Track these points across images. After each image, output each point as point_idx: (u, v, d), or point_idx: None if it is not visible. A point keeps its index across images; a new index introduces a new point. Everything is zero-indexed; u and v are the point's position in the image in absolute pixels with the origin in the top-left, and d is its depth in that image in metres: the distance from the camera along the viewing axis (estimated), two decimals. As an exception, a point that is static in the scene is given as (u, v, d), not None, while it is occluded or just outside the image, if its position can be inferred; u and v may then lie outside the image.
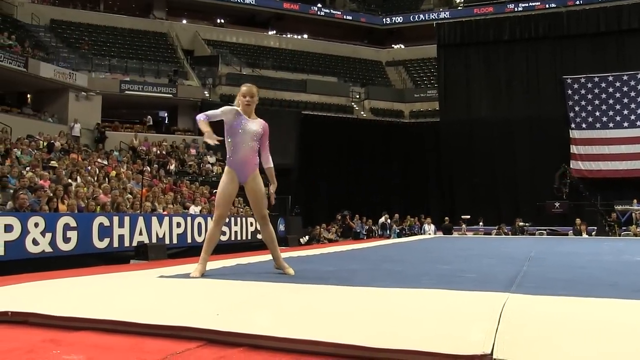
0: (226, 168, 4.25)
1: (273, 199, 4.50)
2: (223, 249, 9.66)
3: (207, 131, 4.07)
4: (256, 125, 4.25)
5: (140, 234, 9.49)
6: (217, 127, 4.20)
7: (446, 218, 19.16)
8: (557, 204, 19.32)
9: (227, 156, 4.23)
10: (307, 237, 16.37)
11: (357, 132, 25.04)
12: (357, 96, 28.68)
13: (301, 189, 22.48)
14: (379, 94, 28.83)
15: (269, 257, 5.87)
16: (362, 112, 27.68)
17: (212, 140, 4.03)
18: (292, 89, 27.14)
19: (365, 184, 24.60)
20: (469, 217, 19.44)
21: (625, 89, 20.85)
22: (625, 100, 20.79)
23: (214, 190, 15.67)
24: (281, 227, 14.71)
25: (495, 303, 2.76)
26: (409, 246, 9.97)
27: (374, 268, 5.17)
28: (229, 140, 4.19)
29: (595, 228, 16.60)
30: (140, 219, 9.64)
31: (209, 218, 11.23)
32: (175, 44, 27.68)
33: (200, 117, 4.14)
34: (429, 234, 17.72)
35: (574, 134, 21.16)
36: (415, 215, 19.93)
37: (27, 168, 11.70)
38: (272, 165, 4.40)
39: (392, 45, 35.10)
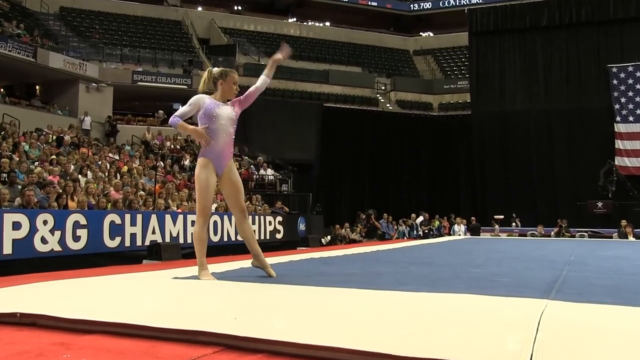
0: (201, 159, 4.16)
1: (282, 55, 4.37)
2: (218, 250, 9.69)
3: (193, 130, 4.12)
4: (230, 109, 4.24)
5: (153, 232, 9.58)
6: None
7: (473, 218, 18.99)
8: (600, 204, 18.98)
9: (202, 147, 4.19)
10: (329, 237, 16.37)
11: (382, 126, 24.94)
12: (383, 87, 28.58)
13: (323, 186, 22.48)
14: (406, 85, 28.68)
15: (276, 259, 5.92)
16: (388, 105, 27.56)
17: (205, 138, 4.07)
18: (313, 79, 27.15)
19: (390, 181, 24.49)
20: (502, 217, 19.23)
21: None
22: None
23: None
24: (302, 227, 14.73)
25: (533, 310, 2.72)
26: (438, 248, 9.90)
27: (401, 270, 5.14)
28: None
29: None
30: (153, 217, 9.72)
31: (225, 216, 11.30)
32: (190, 32, 27.88)
33: (175, 121, 4.15)
34: (459, 234, 17.58)
35: (620, 127, 20.74)
36: (444, 215, 19.79)
37: (36, 163, 11.90)
38: (263, 74, 4.32)
39: (420, 33, 34.89)
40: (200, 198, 4.15)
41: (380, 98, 27.82)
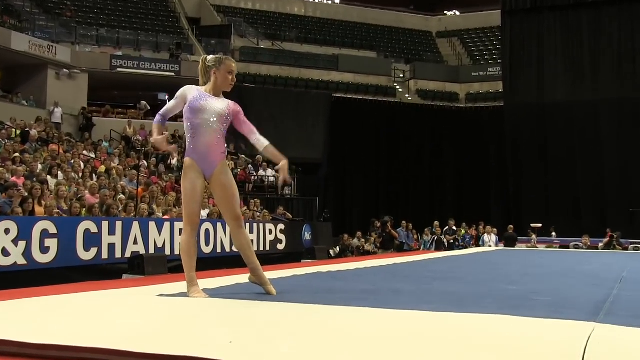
0: (187, 160, 4.18)
1: (287, 177, 4.45)
2: (210, 263, 9.66)
3: (154, 139, 4.21)
4: (222, 103, 4.25)
5: (135, 242, 9.58)
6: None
7: (510, 226, 18.89)
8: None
9: (187, 146, 4.21)
10: (338, 248, 16.36)
11: (400, 120, 24.92)
12: (401, 75, 28.56)
13: (331, 190, 22.51)
14: (428, 72, 28.65)
15: (277, 273, 5.92)
16: (407, 95, 27.55)
17: (165, 149, 4.16)
18: (321, 66, 27.15)
19: (409, 184, 24.46)
20: (539, 225, 19.16)
21: None
22: None
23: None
24: (307, 236, 14.72)
25: (578, 335, 2.72)
26: (466, 260, 9.88)
27: (423, 287, 5.15)
28: (188, 124, 4.16)
29: None
30: (135, 225, 9.72)
31: (218, 224, 11.30)
32: (178, 10, 27.98)
33: (156, 120, 4.28)
34: (489, 245, 17.52)
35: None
36: (472, 222, 19.74)
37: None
38: (267, 142, 4.38)
39: (445, 12, 34.84)
40: (185, 203, 4.18)
41: (398, 87, 27.80)
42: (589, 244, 17.21)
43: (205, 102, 4.16)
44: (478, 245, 17.68)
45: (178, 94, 4.24)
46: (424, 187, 24.58)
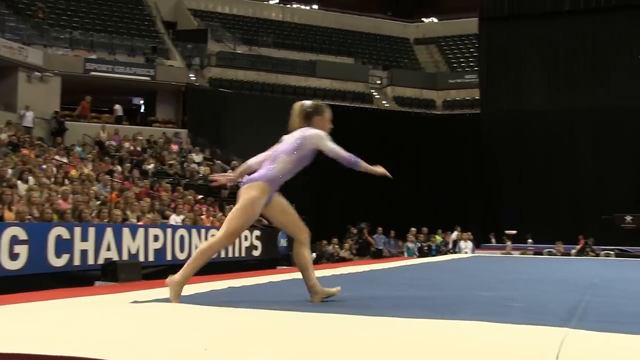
0: (265, 186, 4.34)
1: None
2: (210, 268, 9.64)
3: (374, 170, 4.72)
4: None
5: (108, 249, 9.50)
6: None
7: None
8: (628, 218, 19.16)
9: (275, 175, 4.38)
10: (314, 254, 16.35)
11: (377, 126, 24.99)
12: (378, 82, 28.65)
13: (307, 196, 22.47)
14: (405, 79, 28.77)
15: (252, 280, 5.93)
16: (384, 102, 27.65)
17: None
18: (298, 72, 27.15)
19: (386, 190, 24.54)
20: (515, 232, 19.34)
21: None
22: None
23: (200, 197, 15.73)
24: (282, 243, 14.70)
25: (551, 340, 2.76)
26: (442, 267, 9.94)
27: (398, 294, 5.19)
28: (299, 163, 4.54)
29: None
30: (109, 231, 9.64)
31: (193, 230, 11.26)
32: (154, 14, 27.81)
33: (357, 160, 4.75)
34: (465, 252, 17.65)
35: (654, 129, 20.97)
36: (449, 229, 19.86)
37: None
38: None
39: (423, 19, 35.08)
40: (243, 220, 4.34)
41: (375, 94, 27.90)
42: (562, 250, 17.44)
43: None
44: (454, 252, 17.81)
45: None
46: (401, 193, 24.64)
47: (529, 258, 15.85)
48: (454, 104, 27.29)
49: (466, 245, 18.30)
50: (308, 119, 4.54)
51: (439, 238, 19.41)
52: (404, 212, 24.14)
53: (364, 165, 4.66)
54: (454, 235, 19.07)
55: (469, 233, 18.80)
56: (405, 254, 17.47)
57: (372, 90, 28.01)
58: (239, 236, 4.41)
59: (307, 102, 4.64)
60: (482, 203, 22.82)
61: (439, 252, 18.05)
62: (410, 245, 18.04)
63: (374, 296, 4.87)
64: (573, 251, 17.38)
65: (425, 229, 19.53)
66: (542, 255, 17.26)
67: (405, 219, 21.87)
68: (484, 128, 23.17)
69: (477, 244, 18.95)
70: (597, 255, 17.05)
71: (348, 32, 32.10)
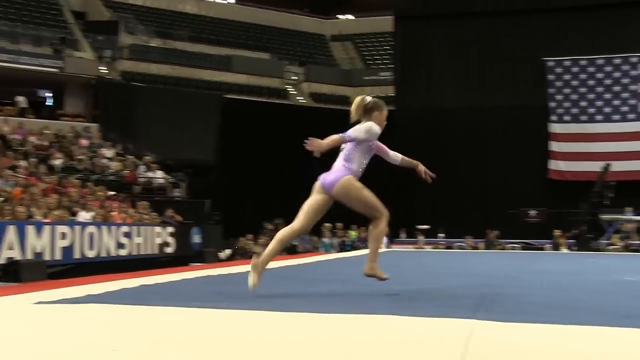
0: (353, 179, 4.88)
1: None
2: (121, 266, 9.45)
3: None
4: None
5: (11, 248, 9.15)
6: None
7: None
8: (533, 212, 19.99)
9: (353, 167, 4.91)
10: (228, 251, 16.23)
11: (293, 122, 24.96)
12: (294, 77, 28.71)
13: (222, 192, 22.28)
14: (322, 75, 28.97)
15: (165, 277, 5.82)
16: (300, 98, 27.74)
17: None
18: (213, 66, 26.85)
19: (303, 186, 24.61)
20: (428, 227, 19.80)
21: (617, 74, 21.61)
22: (617, 89, 21.59)
23: (111, 193, 15.31)
24: (196, 239, 14.55)
25: (460, 331, 2.85)
26: (355, 262, 10.05)
27: (311, 289, 5.23)
28: (367, 153, 5.02)
29: (576, 241, 17.22)
30: (11, 229, 9.29)
31: (103, 227, 10.98)
32: (62, 3, 26.83)
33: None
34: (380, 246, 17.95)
35: (555, 127, 21.86)
36: (363, 225, 20.10)
37: None
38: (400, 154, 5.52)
39: (338, 16, 35.35)
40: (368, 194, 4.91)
41: (291, 90, 27.94)
42: (472, 244, 18.01)
43: None
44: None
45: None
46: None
47: (441, 252, 16.29)
48: (369, 101, 27.61)
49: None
50: (368, 113, 4.89)
51: (353, 233, 19.62)
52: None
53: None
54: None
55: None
56: (322, 250, 17.58)
57: (288, 86, 28.03)
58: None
59: (368, 98, 4.96)
60: (396, 199, 23.23)
61: (354, 247, 18.24)
62: (326, 240, 18.17)
63: (286, 292, 4.87)
64: (480, 244, 17.96)
65: (340, 225, 19.70)
66: (452, 249, 17.76)
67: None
68: (398, 125, 23.55)
69: (391, 239, 19.29)
70: (504, 248, 17.70)
71: (265, 27, 31.97)
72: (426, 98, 23.44)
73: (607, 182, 17.40)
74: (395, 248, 17.92)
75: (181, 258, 12.65)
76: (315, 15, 34.53)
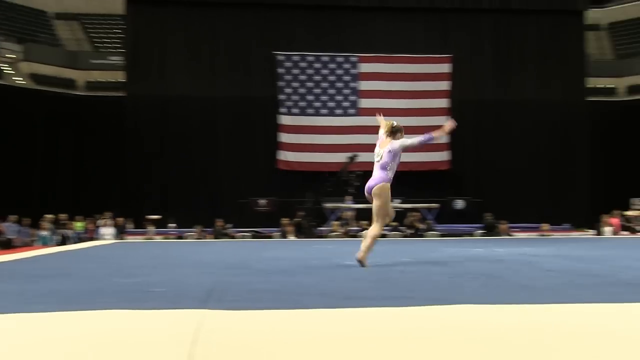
0: (388, 185, 6.37)
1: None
2: None
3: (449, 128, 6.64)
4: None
5: None
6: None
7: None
8: (262, 201, 20.71)
9: (390, 175, 6.39)
10: None
11: (10, 105, 22.94)
12: (11, 55, 26.35)
13: None
14: (44, 55, 26.92)
15: None
16: (18, 78, 25.55)
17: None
18: None
19: (21, 172, 22.69)
20: (158, 217, 19.47)
21: (340, 72, 23.27)
22: (340, 85, 23.26)
23: None
24: None
25: (189, 323, 2.82)
26: (80, 255, 9.57)
27: (28, 287, 4.77)
28: (398, 162, 6.46)
29: (298, 228, 18.19)
30: None
31: None
32: None
33: (430, 135, 6.46)
34: (107, 238, 17.19)
35: (284, 119, 22.89)
36: (92, 215, 19.16)
37: None
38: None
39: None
40: (388, 208, 6.48)
41: (7, 69, 25.60)
42: (202, 234, 18.06)
43: None
44: (95, 239, 17.24)
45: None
46: (40, 177, 23.04)
47: (171, 242, 16.18)
48: (97, 86, 26.36)
49: (107, 231, 17.85)
50: (394, 134, 6.40)
51: (79, 225, 18.63)
52: (42, 197, 22.68)
53: (439, 133, 6.48)
54: (100, 221, 18.46)
55: (112, 219, 18.43)
56: (40, 243, 16.34)
57: (3, 65, 25.64)
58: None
59: (395, 123, 6.50)
60: (126, 188, 22.51)
61: (80, 239, 17.29)
62: (44, 233, 16.94)
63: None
64: (209, 235, 18.12)
65: (64, 216, 18.58)
66: (183, 239, 17.70)
67: (44, 205, 20.54)
68: (129, 112, 22.82)
69: (122, 230, 18.64)
70: (233, 237, 18.10)
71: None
72: (158, 85, 23.01)
73: (352, 171, 18.65)
74: (127, 239, 17.36)
75: None
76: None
